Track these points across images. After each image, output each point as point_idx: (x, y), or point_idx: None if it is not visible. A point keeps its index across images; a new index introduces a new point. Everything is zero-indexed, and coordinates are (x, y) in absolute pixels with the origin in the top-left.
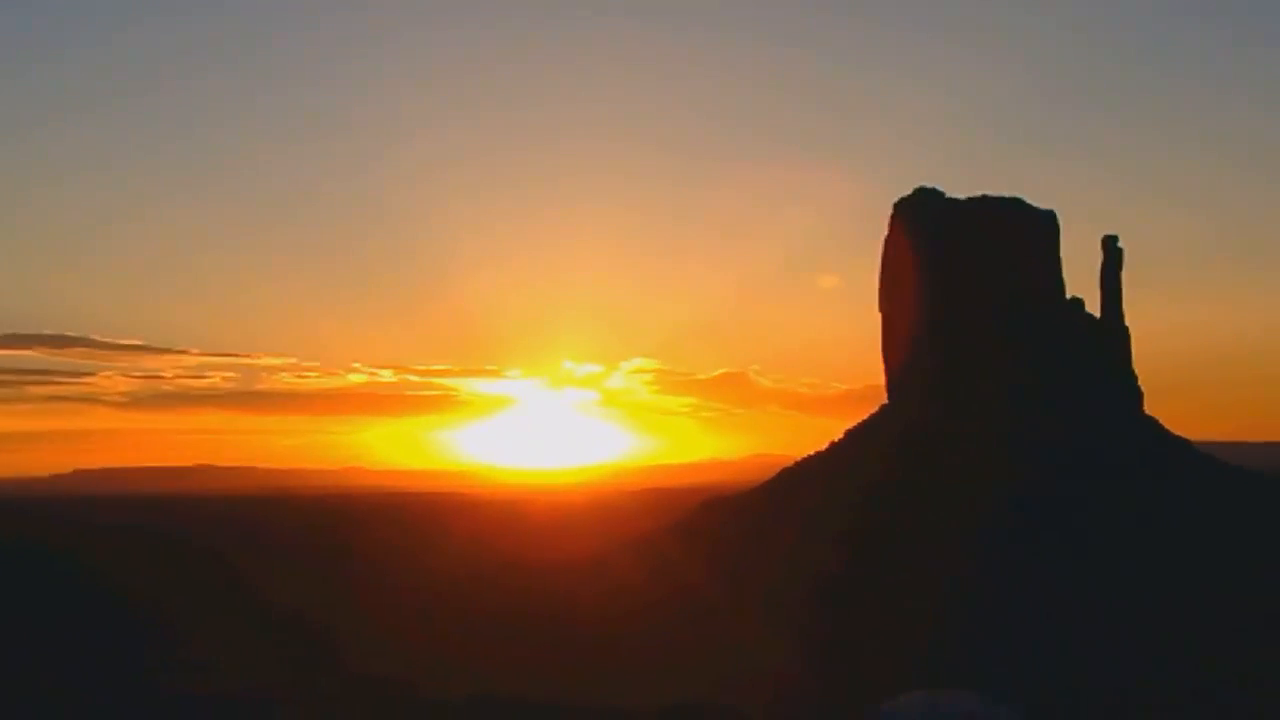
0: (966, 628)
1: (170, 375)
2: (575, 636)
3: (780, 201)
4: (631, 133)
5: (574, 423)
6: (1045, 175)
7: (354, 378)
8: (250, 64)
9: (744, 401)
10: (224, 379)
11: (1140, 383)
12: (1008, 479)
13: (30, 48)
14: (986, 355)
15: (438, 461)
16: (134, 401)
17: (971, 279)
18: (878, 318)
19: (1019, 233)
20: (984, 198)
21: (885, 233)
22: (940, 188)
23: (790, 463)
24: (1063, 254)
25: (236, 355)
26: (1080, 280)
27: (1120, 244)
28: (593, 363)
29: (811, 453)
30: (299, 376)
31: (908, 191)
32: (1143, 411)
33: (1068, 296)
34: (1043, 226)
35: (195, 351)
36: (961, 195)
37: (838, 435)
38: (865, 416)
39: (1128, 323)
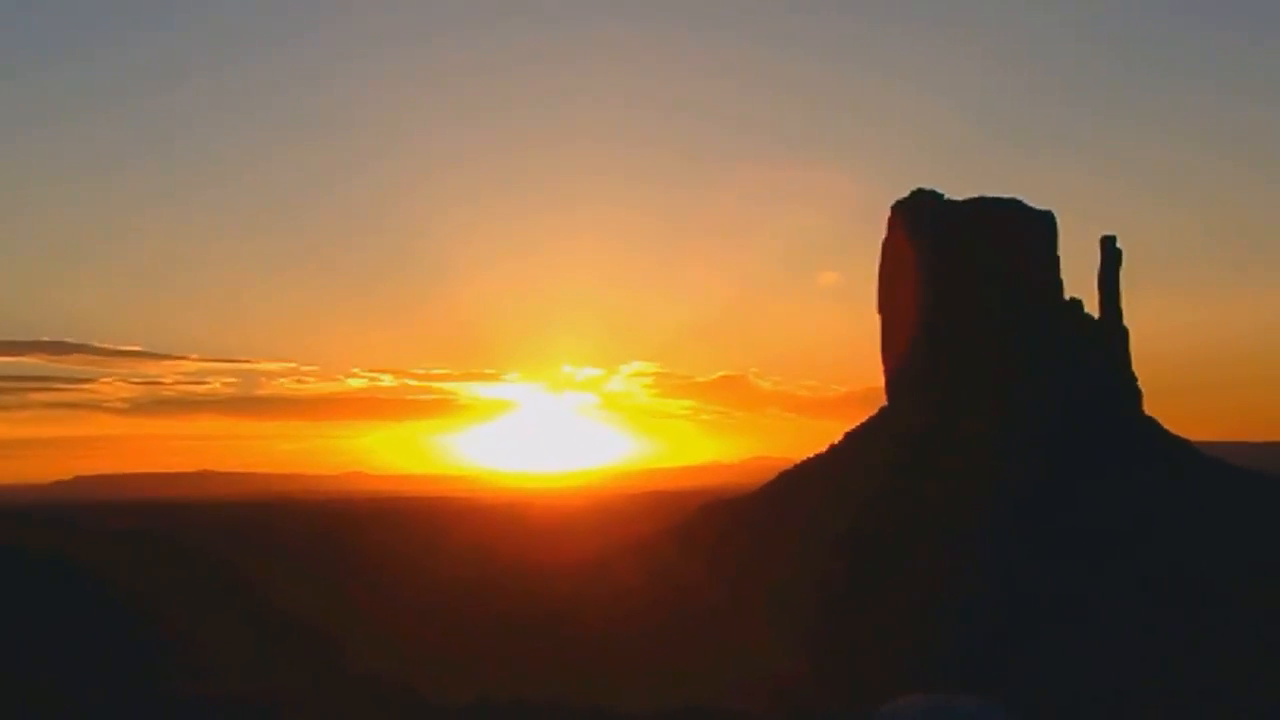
0: (966, 630)
1: (170, 381)
2: (576, 639)
3: (779, 203)
4: (630, 135)
5: (574, 426)
6: (1043, 176)
7: (354, 382)
8: (249, 69)
9: (743, 404)
10: (224, 384)
11: (1140, 383)
12: (1007, 480)
13: (29, 52)
14: (985, 356)
15: (438, 466)
16: (134, 407)
17: (970, 280)
18: (877, 320)
19: (1017, 234)
20: (982, 199)
21: (884, 234)
22: (939, 189)
23: (790, 465)
24: (1061, 254)
25: (236, 360)
26: (1079, 281)
27: (1119, 244)
28: (592, 366)
29: (811, 455)
30: (299, 381)
31: (906, 193)
32: (1142, 411)
33: (1066, 297)
34: (1041, 227)
35: (195, 357)
36: (960, 196)
37: (837, 438)
38: (865, 419)
39: (1126, 323)
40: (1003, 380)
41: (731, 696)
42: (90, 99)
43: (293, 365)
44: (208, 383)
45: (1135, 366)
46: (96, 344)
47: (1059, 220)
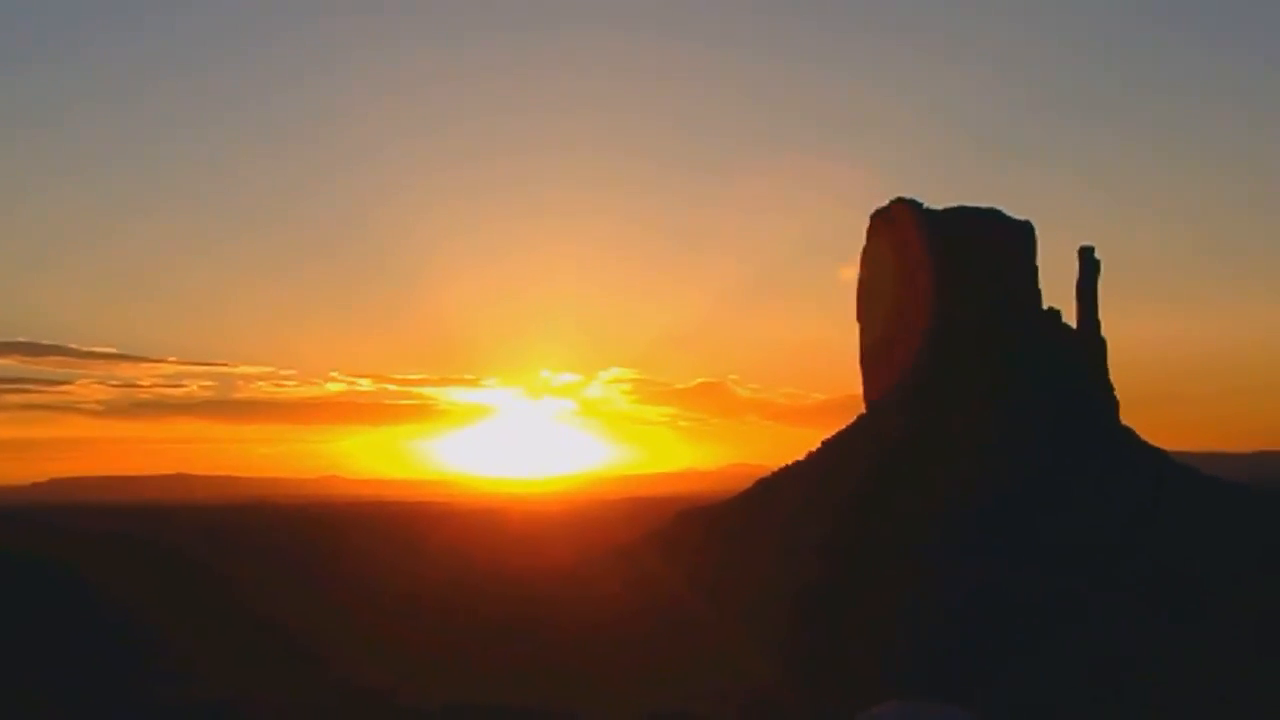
0: (943, 639)
1: (147, 384)
2: (553, 645)
3: (758, 212)
4: (609, 143)
5: (552, 432)
6: (1022, 186)
7: (332, 387)
8: (228, 73)
9: (722, 411)
10: (201, 387)
11: (1117, 393)
12: (985, 489)
13: (5, 54)
14: (964, 365)
15: (416, 470)
16: (110, 410)
17: (949, 289)
18: (856, 328)
19: (996, 243)
20: (961, 208)
21: (863, 243)
22: (918, 198)
23: (768, 472)
24: (1040, 264)
25: (214, 364)
26: (1057, 291)
27: (1097, 255)
28: (571, 372)
29: (789, 463)
30: (277, 385)
31: (885, 202)
32: (1119, 421)
33: (1045, 307)
34: (1020, 237)
35: (172, 360)
36: (939, 206)
37: (816, 445)
38: (843, 426)
39: (1104, 333)
40: (981, 389)
41: (708, 703)
42: (67, 101)
43: (271, 369)
44: (185, 385)
45: (1113, 376)
46: (73, 346)
47: (1038, 230)
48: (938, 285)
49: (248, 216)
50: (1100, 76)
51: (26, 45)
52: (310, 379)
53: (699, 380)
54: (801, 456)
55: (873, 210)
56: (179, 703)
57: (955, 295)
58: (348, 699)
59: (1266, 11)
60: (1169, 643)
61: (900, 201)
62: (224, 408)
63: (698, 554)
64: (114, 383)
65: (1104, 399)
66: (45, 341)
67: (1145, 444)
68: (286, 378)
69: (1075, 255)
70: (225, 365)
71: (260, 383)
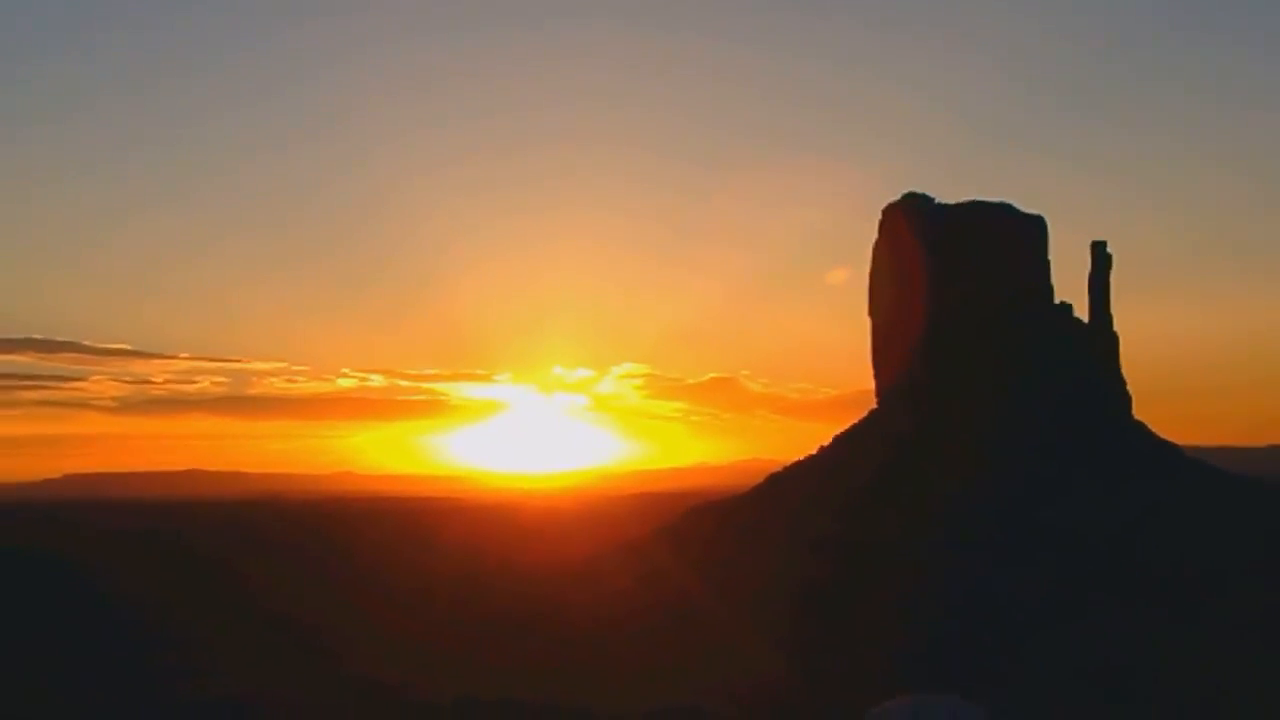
0: (953, 633)
1: (160, 380)
2: (564, 640)
3: (771, 206)
4: (621, 137)
5: (564, 427)
6: (1034, 180)
7: (344, 382)
8: (240, 69)
9: (734, 406)
10: (214, 383)
11: (1129, 387)
12: (995, 484)
13: (20, 51)
14: (975, 360)
15: (428, 466)
16: (124, 406)
17: (960, 284)
18: (868, 323)
19: (1008, 238)
20: (973, 203)
21: (875, 238)
22: (930, 192)
23: (779, 467)
24: (1051, 259)
25: (226, 360)
26: (1069, 285)
27: (1109, 249)
28: (583, 367)
29: (801, 458)
30: (289, 381)
31: (897, 196)
32: (1132, 416)
33: (1056, 301)
34: (1032, 231)
35: (185, 356)
36: (951, 200)
37: (827, 440)
38: (855, 422)
39: (1116, 328)
40: (993, 384)
41: (717, 698)
42: (81, 98)
43: (283, 365)
44: (198, 382)
45: (1125, 371)
46: (87, 342)
47: (1050, 225)
48: (949, 280)
49: (260, 213)
50: (1112, 70)
51: (36, 42)
52: (322, 375)
53: (710, 375)
54: (813, 451)
55: (884, 205)
56: (191, 698)
57: (966, 290)
58: (360, 693)
59: (1278, 5)
60: (1182, 639)
61: (912, 196)
62: (237, 404)
63: (708, 549)
64: (127, 379)
65: (1116, 393)
66: (59, 338)
67: (1158, 438)
68: (299, 373)
69: (1087, 249)
70: (238, 361)
71: (273, 379)
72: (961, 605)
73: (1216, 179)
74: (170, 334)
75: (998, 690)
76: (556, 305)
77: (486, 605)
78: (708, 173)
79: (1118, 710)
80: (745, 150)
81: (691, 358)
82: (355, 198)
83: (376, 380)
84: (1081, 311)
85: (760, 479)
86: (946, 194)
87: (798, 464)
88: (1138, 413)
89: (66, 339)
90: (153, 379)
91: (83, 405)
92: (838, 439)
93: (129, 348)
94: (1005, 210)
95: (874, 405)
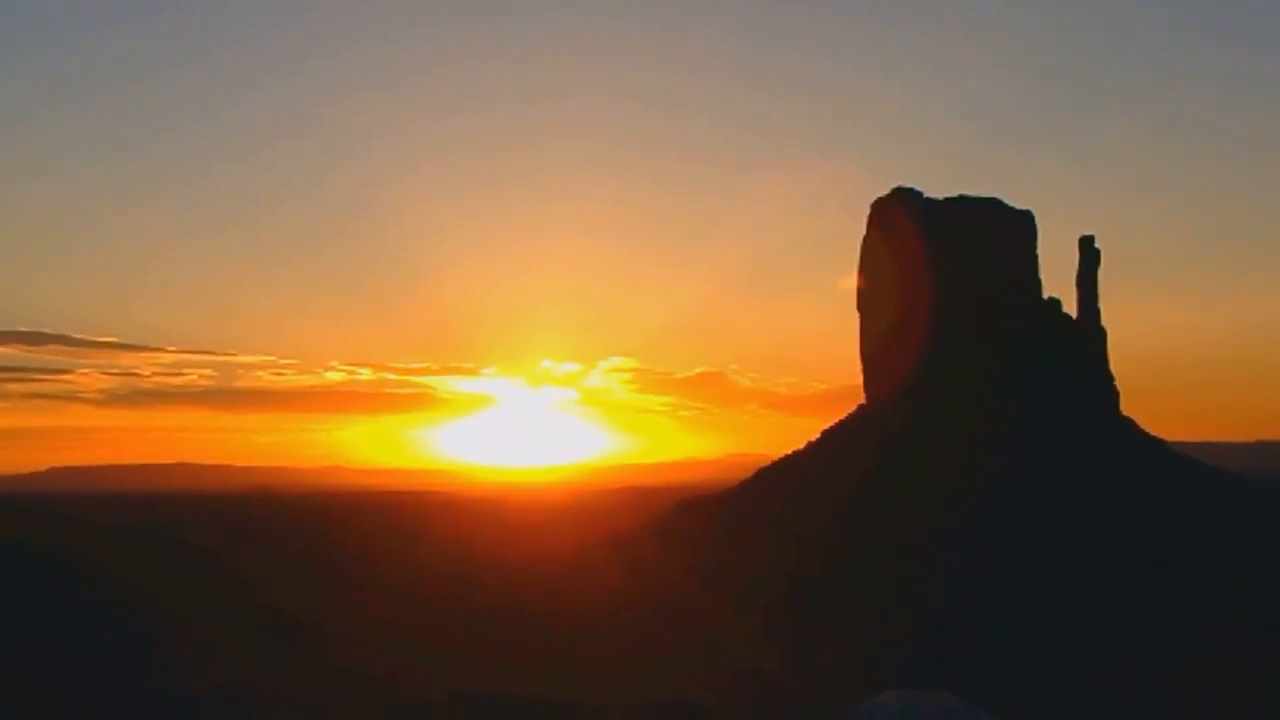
0: (942, 628)
1: (148, 373)
2: (553, 634)
3: (759, 201)
4: (609, 132)
5: (552, 421)
6: (1023, 175)
7: (332, 376)
8: (227, 62)
9: (722, 401)
10: (202, 376)
11: (1117, 383)
12: (984, 479)
13: (5, 45)
14: (963, 355)
15: (416, 460)
16: (111, 399)
17: (949, 279)
18: (855, 317)
19: (997, 233)
20: (962, 197)
21: (864, 232)
22: (918, 187)
23: (768, 462)
24: (1040, 254)
25: (214, 353)
26: (1057, 280)
27: (1097, 244)
28: (571, 361)
29: (789, 452)
30: (277, 374)
31: (885, 191)
32: (1119, 412)
33: (1045, 296)
34: (1020, 226)
35: (173, 349)
36: (940, 195)
37: (815, 435)
38: (843, 416)
39: (1105, 323)
40: (981, 379)
41: (706, 692)
42: (67, 92)
43: (271, 358)
44: (185, 374)
45: (1113, 366)
46: (74, 335)
47: (1038, 220)
48: (937, 275)
49: (248, 206)
50: (1100, 66)
51: (25, 37)
52: (310, 368)
53: (699, 370)
54: (801, 446)
55: (873, 200)
56: (178, 692)
57: (955, 285)
58: (349, 688)
59: (1270, 1)
60: (1171, 636)
61: (900, 191)
62: (225, 397)
63: (697, 543)
64: (115, 371)
65: (1104, 389)
66: (46, 330)
67: (1146, 434)
68: (287, 367)
69: (1075, 245)
70: (226, 354)
71: (261, 372)
72: (953, 602)
73: (1205, 174)
74: (158, 326)
75: (987, 687)
76: (545, 299)
77: (476, 599)
78: (697, 167)
79: (1109, 707)
80: (733, 145)
81: (680, 352)
82: (344, 191)
83: (365, 373)
84: (1070, 307)
85: (749, 473)
86: (935, 189)
87: (786, 458)
88: (1125, 408)
89: (54, 331)
90: (140, 371)
91: (70, 398)
92: (826, 433)
93: (116, 340)
94: (994, 205)
95: (863, 400)
